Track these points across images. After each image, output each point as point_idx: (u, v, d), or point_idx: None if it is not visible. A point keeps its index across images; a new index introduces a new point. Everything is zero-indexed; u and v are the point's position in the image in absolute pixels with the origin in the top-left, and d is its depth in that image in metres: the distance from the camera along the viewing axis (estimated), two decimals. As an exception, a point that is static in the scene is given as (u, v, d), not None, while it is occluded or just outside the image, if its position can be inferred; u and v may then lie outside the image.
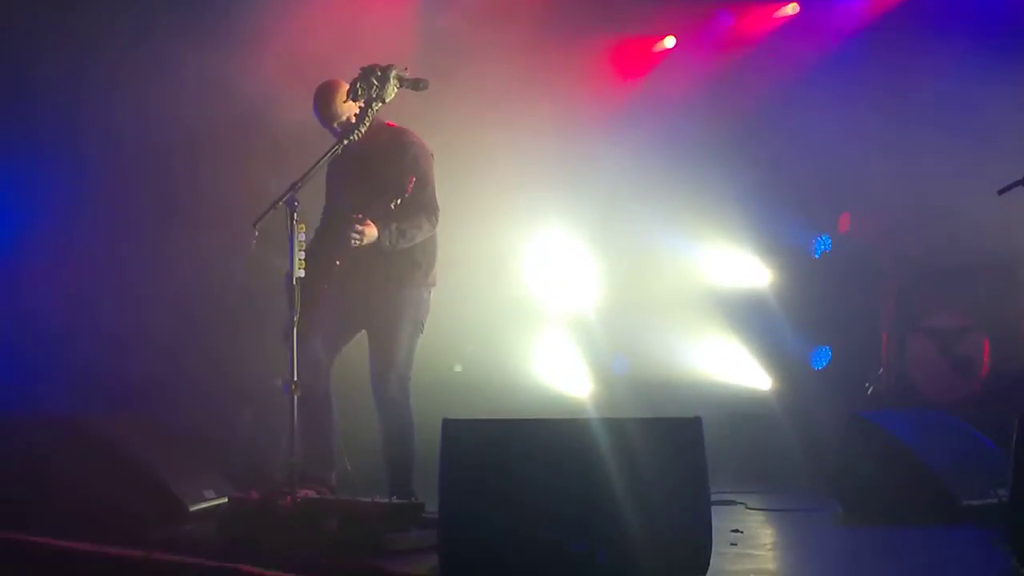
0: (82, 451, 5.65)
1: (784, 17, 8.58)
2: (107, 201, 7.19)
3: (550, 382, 8.20)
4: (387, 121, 5.77)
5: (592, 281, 8.38)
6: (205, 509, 5.66)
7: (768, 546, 5.44)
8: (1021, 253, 7.45)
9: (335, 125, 5.70)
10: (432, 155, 5.79)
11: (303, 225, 5.22)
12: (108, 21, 6.97)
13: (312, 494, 5.36)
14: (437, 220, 5.74)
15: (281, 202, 5.17)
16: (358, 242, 5.46)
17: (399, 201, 5.49)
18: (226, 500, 5.55)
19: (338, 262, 5.48)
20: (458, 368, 7.93)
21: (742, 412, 8.07)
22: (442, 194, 5.80)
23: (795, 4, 8.55)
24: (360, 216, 5.49)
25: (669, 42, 8.68)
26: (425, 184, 5.68)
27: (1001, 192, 5.42)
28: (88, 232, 7.21)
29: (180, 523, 5.50)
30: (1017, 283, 7.75)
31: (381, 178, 5.59)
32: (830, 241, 8.53)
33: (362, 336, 5.82)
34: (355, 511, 5.13)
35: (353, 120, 5.55)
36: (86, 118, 7.06)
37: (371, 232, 5.50)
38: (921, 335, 8.08)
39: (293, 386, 5.21)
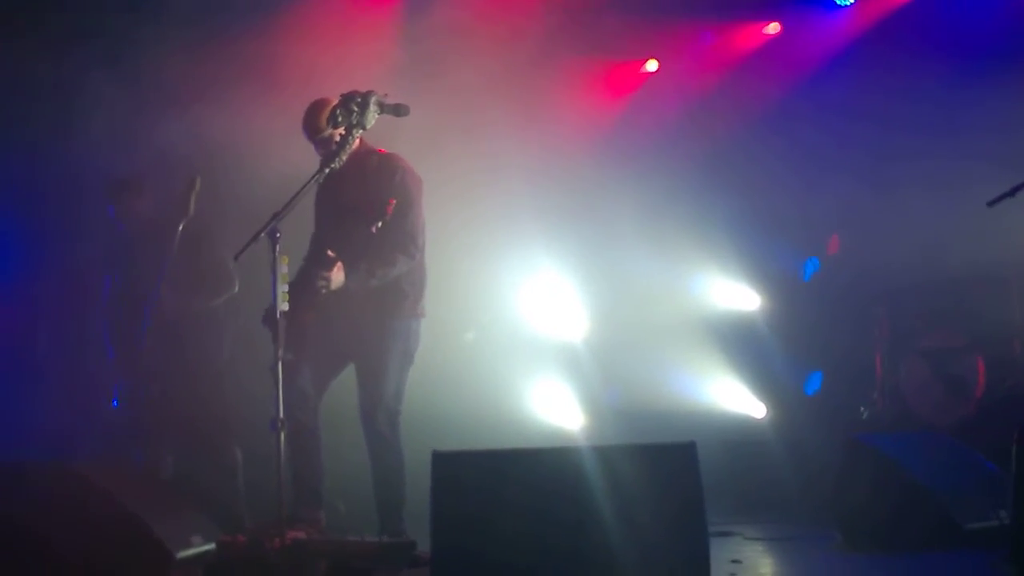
0: (65, 498, 5.51)
1: (767, 36, 8.60)
2: (91, 232, 7.10)
3: (543, 415, 8.12)
4: (378, 148, 5.74)
5: (581, 311, 8.32)
6: (193, 555, 5.52)
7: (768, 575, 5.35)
8: (1013, 268, 7.41)
9: (316, 139, 5.66)
10: (421, 181, 5.74)
11: (285, 257, 5.14)
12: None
13: (301, 535, 5.26)
14: (417, 251, 5.66)
15: (263, 233, 5.10)
16: (325, 288, 5.39)
17: (379, 224, 5.41)
18: (214, 546, 5.44)
19: (323, 291, 5.40)
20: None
21: (737, 440, 7.99)
22: (429, 223, 5.74)
23: (776, 24, 8.57)
24: (330, 257, 5.41)
25: (652, 65, 8.68)
26: (408, 209, 5.61)
27: (991, 204, 5.37)
28: (70, 269, 7.13)
29: (167, 571, 5.37)
30: (1010, 299, 7.70)
31: (364, 202, 5.52)
32: (819, 263, 8.50)
33: (351, 370, 5.73)
34: (345, 551, 5.04)
35: (335, 147, 5.51)
36: (49, 152, 7.02)
37: (338, 277, 5.43)
38: (915, 356, 8.01)
39: (280, 423, 5.11)
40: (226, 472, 6.57)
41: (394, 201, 5.45)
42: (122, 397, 6.55)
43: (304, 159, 5.73)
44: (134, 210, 6.63)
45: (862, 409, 8.19)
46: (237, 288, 6.65)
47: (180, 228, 6.39)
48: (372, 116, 5.41)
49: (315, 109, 5.67)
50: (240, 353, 6.75)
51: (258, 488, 6.34)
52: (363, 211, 5.47)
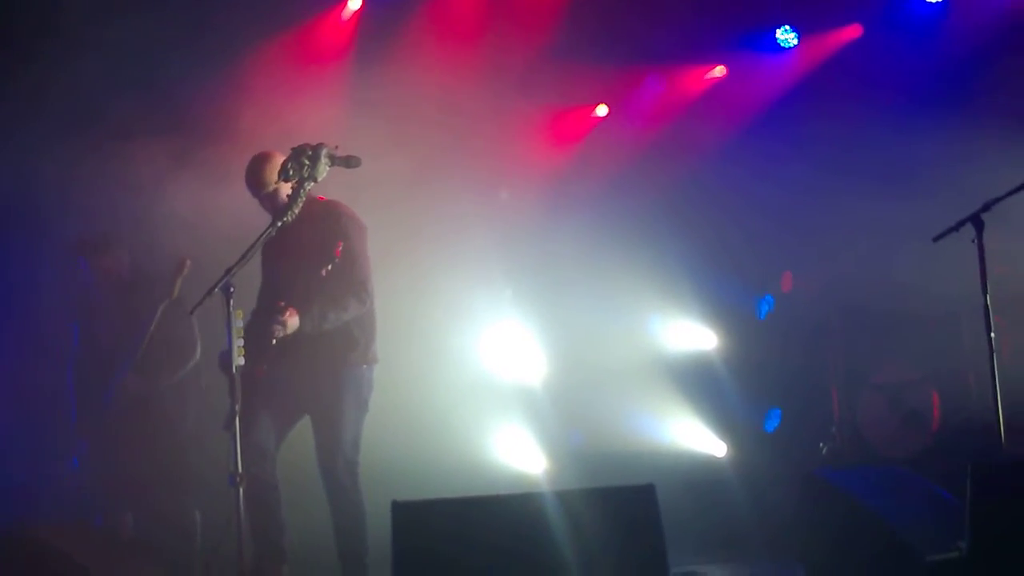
0: (22, 565, 5.42)
1: (713, 79, 8.72)
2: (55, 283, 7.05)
3: (504, 460, 8.09)
4: (318, 196, 5.73)
5: (540, 354, 8.32)
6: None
7: (734, 615, 5.35)
8: (962, 302, 7.51)
9: (263, 194, 5.65)
10: (365, 228, 5.74)
11: (240, 311, 5.12)
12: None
13: (264, 591, 5.21)
14: (368, 297, 5.66)
15: (217, 288, 5.08)
16: (281, 333, 5.38)
17: (330, 267, 5.42)
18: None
19: (274, 341, 5.39)
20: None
21: (699, 480, 7.99)
22: (382, 270, 5.74)
23: (722, 67, 8.69)
24: (282, 305, 5.41)
25: (602, 110, 8.76)
26: (356, 256, 5.62)
27: (936, 239, 5.47)
28: (30, 331, 7.07)
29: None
30: (961, 333, 7.79)
31: (312, 248, 5.54)
32: (774, 301, 8.57)
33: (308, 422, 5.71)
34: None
35: (285, 200, 5.50)
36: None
37: (293, 321, 5.43)
38: (870, 390, 8.09)
39: (239, 478, 5.07)
40: (184, 534, 6.49)
41: (341, 243, 5.46)
42: (83, 458, 6.50)
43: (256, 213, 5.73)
44: (103, 266, 6.61)
45: (821, 445, 8.23)
46: (199, 355, 6.63)
47: (161, 309, 6.36)
48: (323, 168, 5.40)
49: (259, 163, 5.67)
50: (204, 415, 6.70)
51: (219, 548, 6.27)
52: (312, 256, 5.47)
